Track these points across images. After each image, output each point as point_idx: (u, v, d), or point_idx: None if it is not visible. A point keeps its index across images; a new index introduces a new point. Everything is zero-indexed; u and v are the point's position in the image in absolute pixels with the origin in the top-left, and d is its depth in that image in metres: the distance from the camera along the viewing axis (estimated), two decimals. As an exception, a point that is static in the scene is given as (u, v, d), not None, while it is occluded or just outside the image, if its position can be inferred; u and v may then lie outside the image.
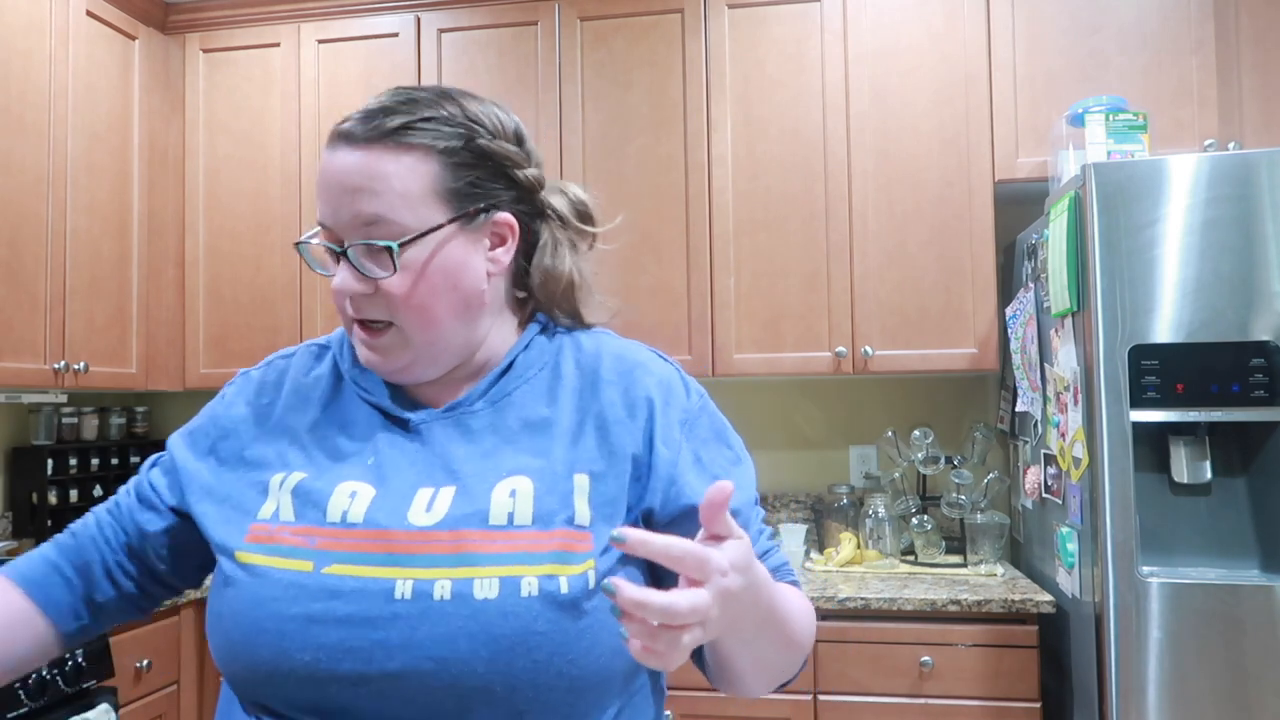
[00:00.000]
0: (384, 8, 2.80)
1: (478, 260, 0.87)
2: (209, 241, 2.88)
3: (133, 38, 2.78)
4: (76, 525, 0.96)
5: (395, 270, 0.83)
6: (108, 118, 2.67)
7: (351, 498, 0.83)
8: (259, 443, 0.91)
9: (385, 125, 0.84)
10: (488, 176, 0.88)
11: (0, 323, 2.27)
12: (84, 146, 2.56)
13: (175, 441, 0.96)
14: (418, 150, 0.84)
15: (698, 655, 0.89)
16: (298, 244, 0.91)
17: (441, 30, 2.77)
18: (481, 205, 0.87)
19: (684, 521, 0.84)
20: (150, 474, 0.96)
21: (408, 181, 0.83)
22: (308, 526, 0.82)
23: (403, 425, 0.88)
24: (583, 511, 0.82)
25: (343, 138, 0.84)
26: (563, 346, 0.93)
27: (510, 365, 0.91)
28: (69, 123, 2.51)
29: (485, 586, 0.77)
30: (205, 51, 2.91)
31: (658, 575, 0.86)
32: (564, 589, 0.78)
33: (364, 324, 0.86)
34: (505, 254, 0.90)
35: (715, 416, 0.92)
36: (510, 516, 0.80)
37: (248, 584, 0.80)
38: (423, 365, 0.88)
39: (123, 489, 0.98)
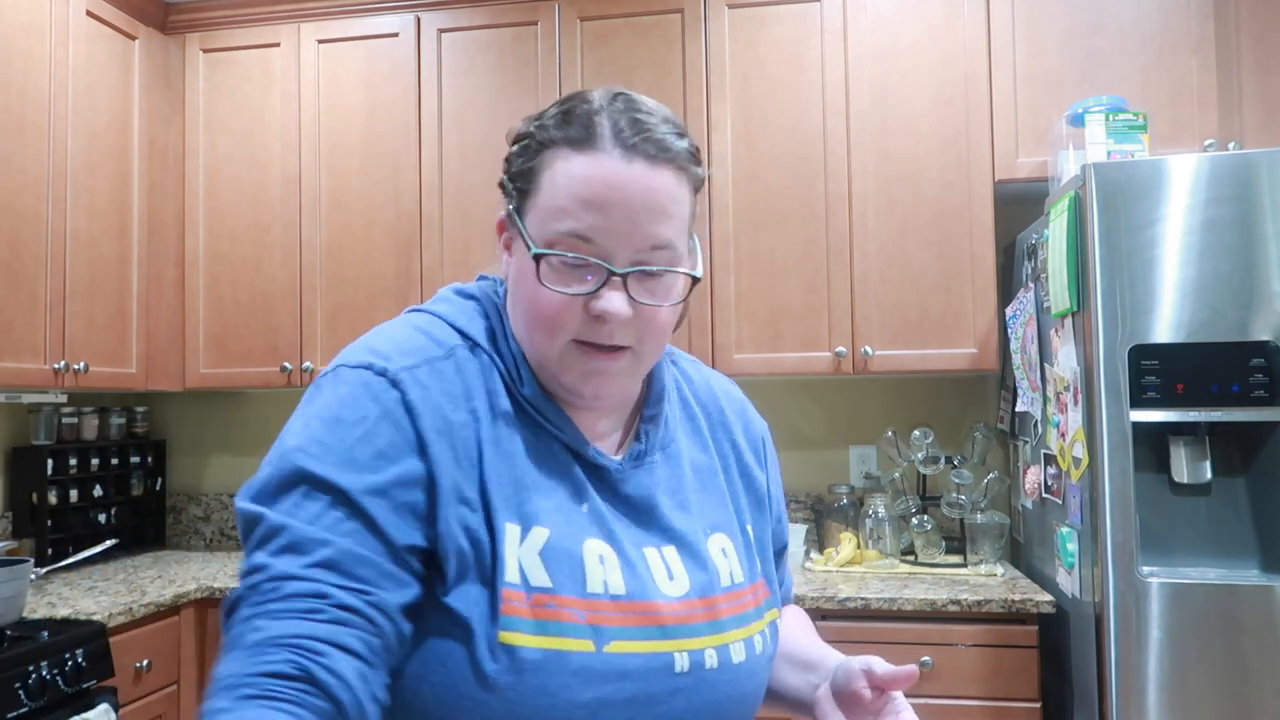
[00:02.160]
0: (384, 8, 2.80)
1: None
2: (209, 241, 2.88)
3: (133, 38, 2.78)
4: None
5: (680, 301, 0.79)
6: (108, 118, 2.67)
7: (602, 563, 0.76)
8: (470, 474, 0.74)
9: (674, 146, 0.76)
10: (696, 209, 0.84)
11: (0, 323, 2.27)
12: (84, 146, 2.56)
13: (365, 477, 0.70)
14: (687, 177, 0.79)
15: None
16: (541, 254, 0.75)
17: (441, 30, 2.77)
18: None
19: (779, 557, 0.99)
20: (390, 538, 0.70)
21: (685, 209, 0.78)
22: (572, 598, 0.73)
23: (596, 471, 0.81)
24: (759, 561, 0.89)
25: (634, 149, 0.74)
26: (669, 370, 0.92)
27: (654, 396, 0.88)
28: (69, 123, 2.51)
29: (737, 650, 0.80)
30: (205, 51, 2.91)
31: None
32: (769, 639, 0.86)
33: (600, 347, 0.77)
34: None
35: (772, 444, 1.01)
36: (731, 576, 0.83)
37: (527, 671, 0.70)
38: (630, 394, 0.85)
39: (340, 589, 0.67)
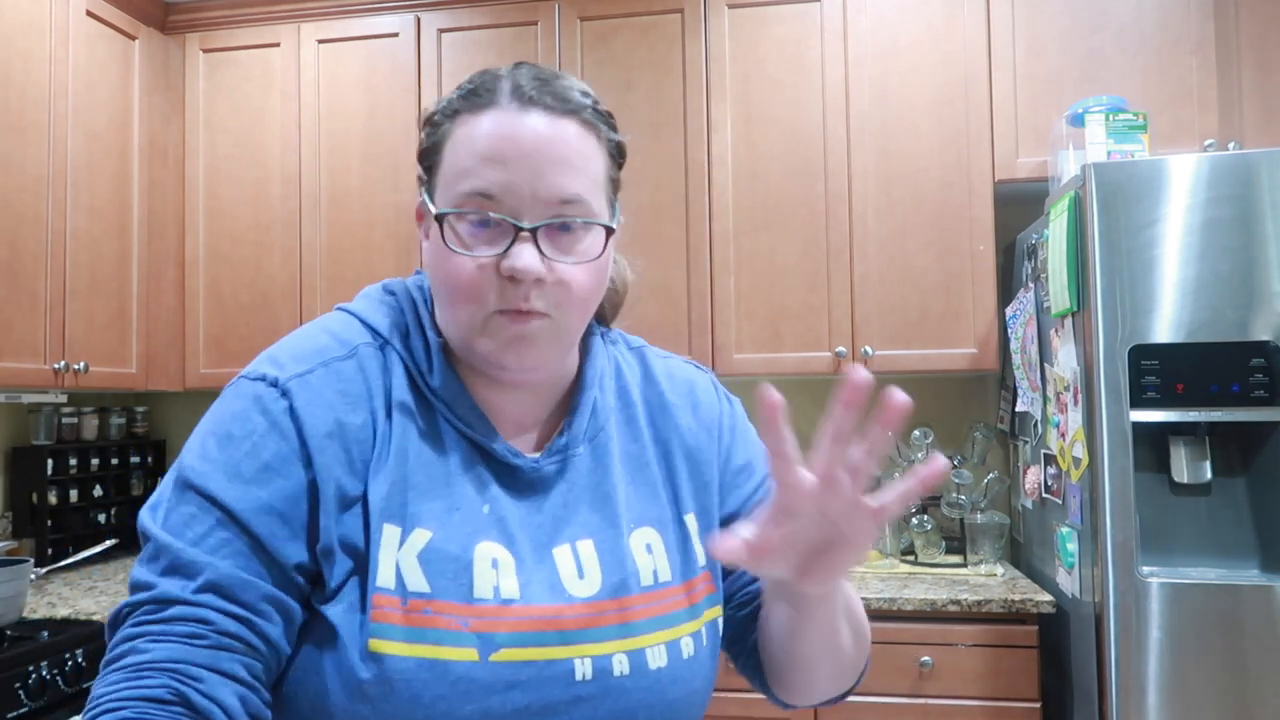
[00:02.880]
0: (384, 8, 2.80)
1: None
2: (209, 241, 2.88)
3: (133, 38, 2.78)
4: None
5: (600, 255, 0.74)
6: (108, 118, 2.67)
7: (495, 567, 0.72)
8: (361, 477, 0.72)
9: (577, 98, 0.74)
10: (617, 177, 0.81)
11: (0, 323, 2.27)
12: (84, 146, 2.56)
13: (250, 492, 0.70)
14: (598, 135, 0.76)
15: (756, 669, 0.88)
16: (445, 213, 0.72)
17: (441, 30, 2.77)
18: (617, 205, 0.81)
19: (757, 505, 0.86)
20: (275, 552, 0.69)
21: (596, 165, 0.75)
22: (453, 604, 0.70)
23: (506, 469, 0.77)
24: (701, 553, 0.82)
25: (531, 101, 0.72)
26: (617, 360, 0.88)
27: (585, 383, 0.84)
28: (69, 123, 2.51)
29: (655, 655, 0.75)
30: (205, 51, 2.91)
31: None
32: (705, 641, 0.79)
33: (513, 311, 0.72)
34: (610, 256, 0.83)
35: (744, 416, 0.94)
36: (655, 575, 0.78)
37: (399, 682, 0.67)
38: (554, 364, 0.78)
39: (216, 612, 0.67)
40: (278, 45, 2.86)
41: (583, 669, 0.72)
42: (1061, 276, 2.00)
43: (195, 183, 2.89)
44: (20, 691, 1.80)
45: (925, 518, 2.56)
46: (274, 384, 0.73)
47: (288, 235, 2.82)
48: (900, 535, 2.61)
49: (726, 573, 0.87)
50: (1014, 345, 2.41)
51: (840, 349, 2.52)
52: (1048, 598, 2.13)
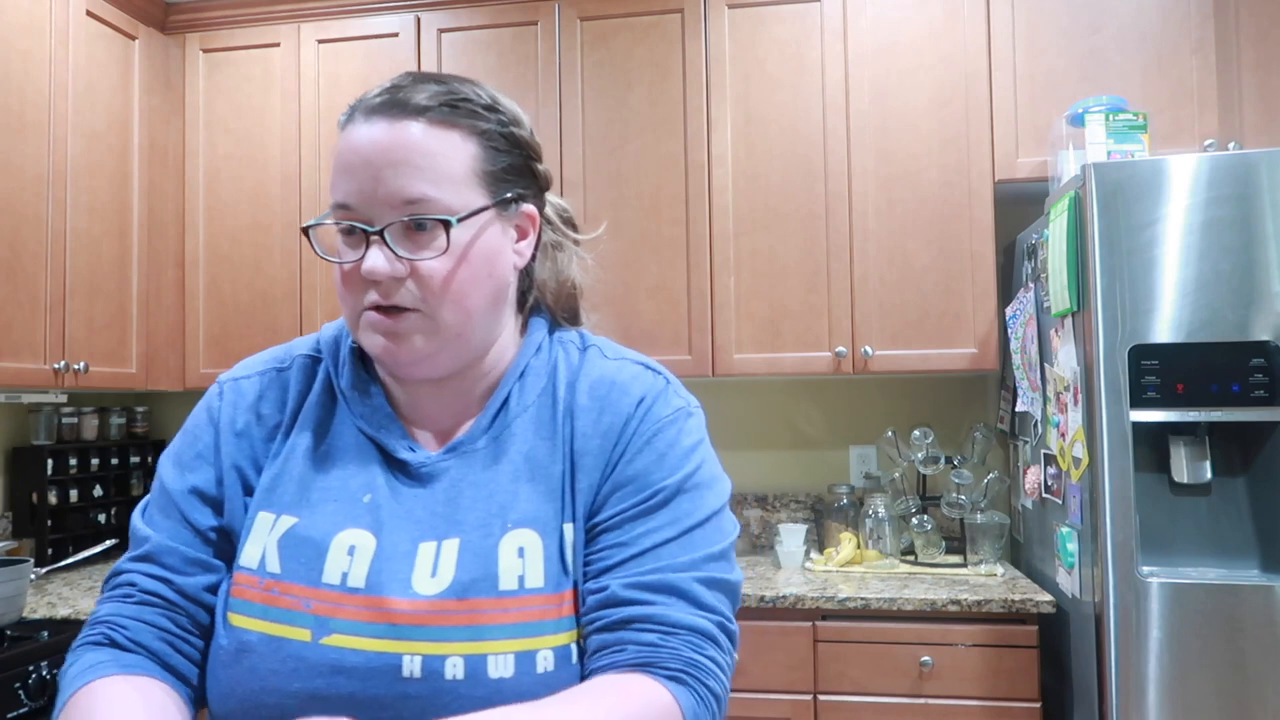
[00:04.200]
0: (384, 8, 2.80)
1: (508, 250, 0.83)
2: (209, 241, 2.88)
3: (133, 38, 2.78)
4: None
5: (447, 249, 0.76)
6: (108, 118, 2.67)
7: (350, 554, 0.75)
8: (253, 471, 0.83)
9: (423, 101, 0.77)
10: (518, 165, 0.83)
11: (0, 323, 2.27)
12: (84, 146, 2.56)
13: (184, 476, 0.84)
14: (459, 129, 0.78)
15: None
16: (308, 227, 0.80)
17: (441, 30, 2.77)
18: (514, 194, 0.82)
19: (587, 538, 0.80)
20: (195, 522, 0.82)
21: (452, 160, 0.77)
22: (300, 586, 0.75)
23: (399, 465, 0.81)
24: (572, 566, 0.77)
25: (374, 111, 0.77)
26: (558, 359, 0.87)
27: (523, 373, 0.85)
28: (69, 122, 2.51)
29: (500, 664, 0.71)
30: (205, 51, 2.91)
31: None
32: (575, 659, 0.74)
33: (384, 310, 0.77)
34: (528, 247, 0.85)
35: (686, 432, 0.83)
36: (521, 580, 0.74)
37: (242, 652, 0.74)
38: (447, 356, 0.80)
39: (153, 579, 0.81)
40: (278, 45, 2.86)
41: (410, 666, 0.71)
42: (1061, 276, 2.00)
43: (195, 183, 2.90)
44: (20, 691, 1.80)
45: (925, 518, 2.56)
46: (220, 385, 0.88)
47: (288, 235, 2.82)
48: (900, 535, 2.61)
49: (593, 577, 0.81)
50: (1014, 345, 2.41)
51: (840, 349, 2.52)
52: (1048, 598, 2.13)
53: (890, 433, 2.68)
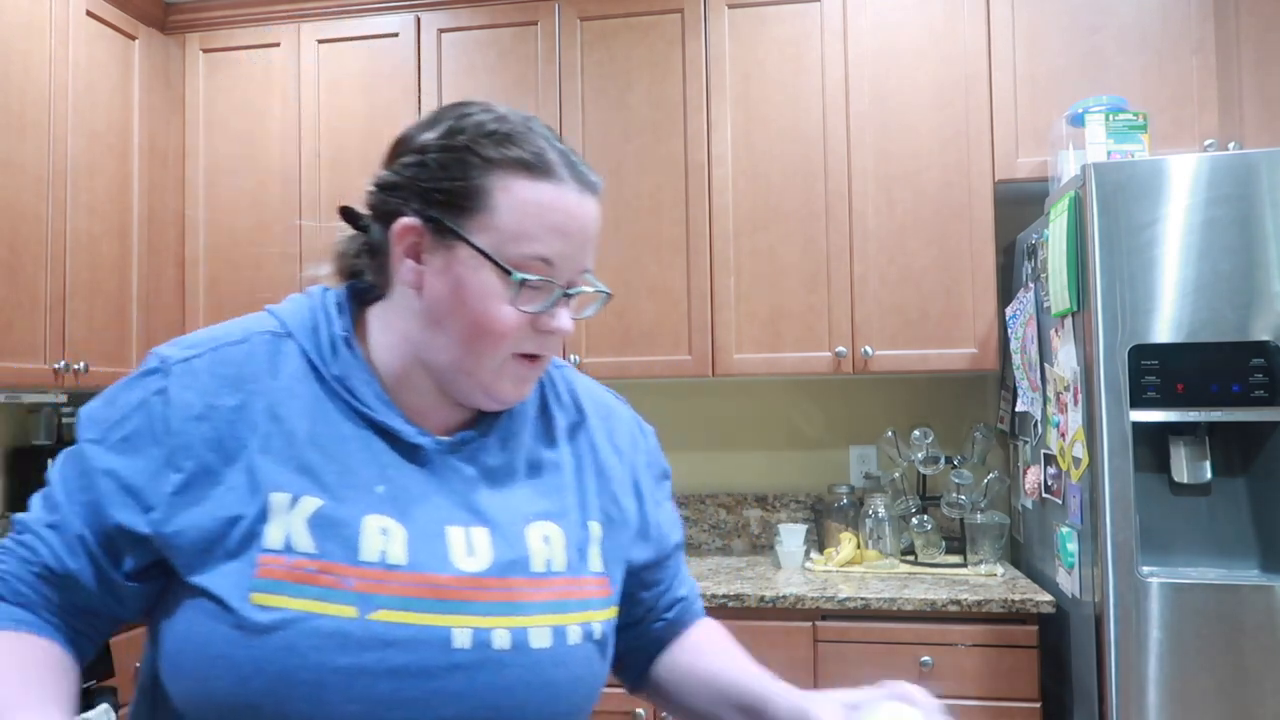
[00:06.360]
0: (384, 8, 2.80)
1: None
2: (209, 241, 2.88)
3: (133, 38, 2.78)
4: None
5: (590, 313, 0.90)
6: (108, 118, 2.67)
7: (384, 535, 0.77)
8: (235, 455, 0.77)
9: (597, 184, 0.86)
10: None
11: (0, 323, 2.27)
12: (84, 146, 2.56)
13: (106, 455, 0.78)
14: None
15: (635, 672, 1.01)
16: (523, 279, 0.79)
17: (441, 30, 2.77)
18: None
19: (660, 563, 0.97)
20: (107, 514, 0.77)
21: None
22: (338, 565, 0.75)
23: (409, 451, 0.82)
24: (600, 558, 0.87)
25: (586, 186, 0.83)
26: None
27: None
28: (69, 123, 2.51)
29: (539, 636, 0.79)
30: (205, 51, 2.91)
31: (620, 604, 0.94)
32: (597, 635, 0.84)
33: (530, 358, 0.84)
34: None
35: (657, 449, 1.02)
36: (548, 563, 0.82)
37: (274, 630, 0.72)
38: None
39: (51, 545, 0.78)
40: (278, 45, 2.86)
41: (461, 638, 0.75)
42: (1061, 276, 2.00)
43: (195, 183, 2.89)
44: (20, 691, 1.79)
45: (925, 518, 2.56)
46: (161, 362, 0.80)
47: (288, 235, 2.82)
48: (900, 535, 2.61)
49: (645, 587, 0.96)
50: (1014, 345, 2.41)
51: (840, 349, 2.52)
52: (1048, 598, 2.13)
53: (890, 433, 2.68)
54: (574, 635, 0.81)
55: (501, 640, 0.76)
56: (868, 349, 2.50)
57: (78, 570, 0.77)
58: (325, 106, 2.82)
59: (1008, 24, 2.49)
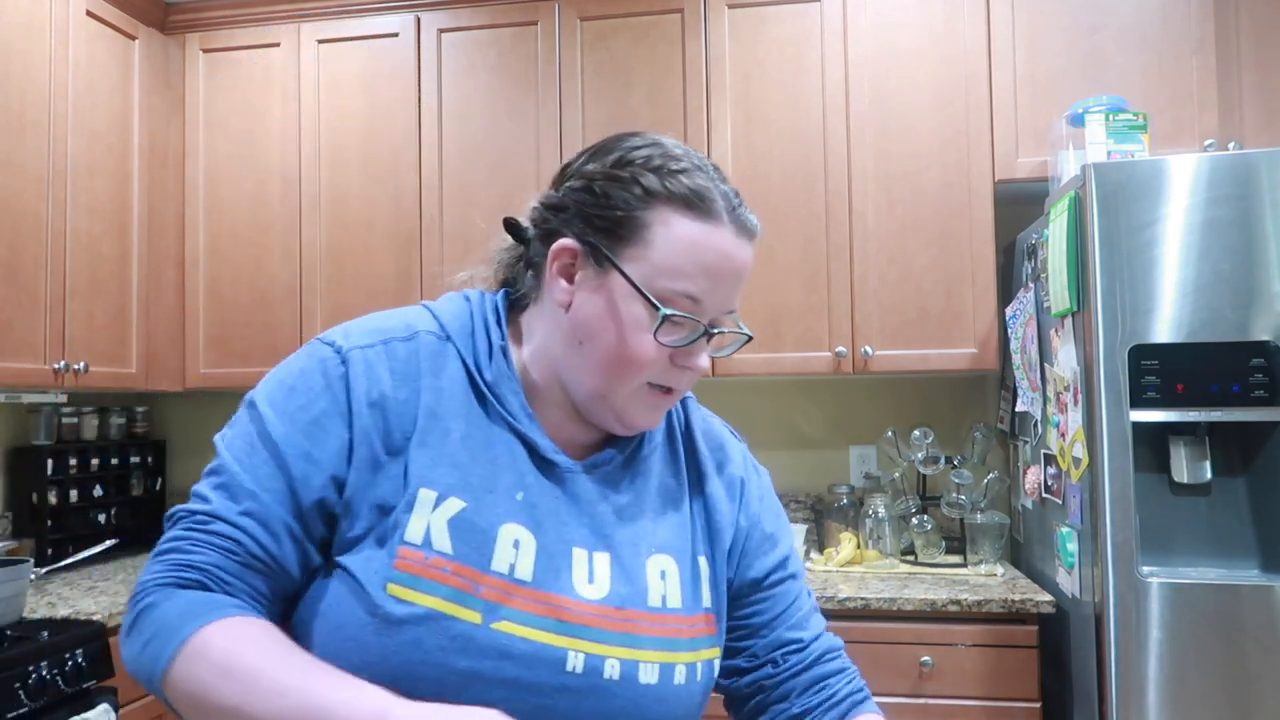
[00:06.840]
0: (384, 8, 2.80)
1: None
2: (209, 241, 2.88)
3: (133, 38, 2.78)
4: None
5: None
6: (108, 118, 2.67)
7: (516, 547, 0.79)
8: (397, 446, 0.80)
9: (755, 227, 0.86)
10: None
11: (0, 323, 2.27)
12: (84, 146, 2.56)
13: (299, 439, 0.79)
14: None
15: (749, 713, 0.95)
16: (669, 314, 0.81)
17: (441, 30, 2.77)
18: None
19: (745, 591, 0.93)
20: (304, 495, 0.79)
21: None
22: (470, 569, 0.77)
23: (545, 466, 0.84)
24: (709, 596, 0.88)
25: (744, 230, 0.83)
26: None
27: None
28: (69, 122, 2.51)
29: (648, 671, 0.80)
30: (205, 51, 2.91)
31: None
32: (700, 676, 0.84)
33: (667, 389, 0.85)
34: None
35: (771, 489, 1.01)
36: (664, 599, 0.84)
37: (405, 623, 0.74)
38: None
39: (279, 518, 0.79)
40: (278, 45, 2.86)
41: (574, 661, 0.77)
42: (1061, 276, 2.00)
43: (195, 183, 2.90)
44: (20, 691, 1.80)
45: (925, 518, 2.56)
46: (338, 351, 0.82)
47: (288, 235, 2.82)
48: (900, 535, 2.61)
49: (758, 632, 0.93)
50: (1014, 345, 2.41)
51: (840, 349, 2.52)
52: (1048, 598, 2.13)
53: (890, 433, 2.69)
54: (680, 675, 0.82)
55: (612, 670, 0.78)
56: (868, 349, 2.50)
57: (282, 556, 0.78)
58: (325, 106, 2.82)
59: (1008, 24, 2.49)
